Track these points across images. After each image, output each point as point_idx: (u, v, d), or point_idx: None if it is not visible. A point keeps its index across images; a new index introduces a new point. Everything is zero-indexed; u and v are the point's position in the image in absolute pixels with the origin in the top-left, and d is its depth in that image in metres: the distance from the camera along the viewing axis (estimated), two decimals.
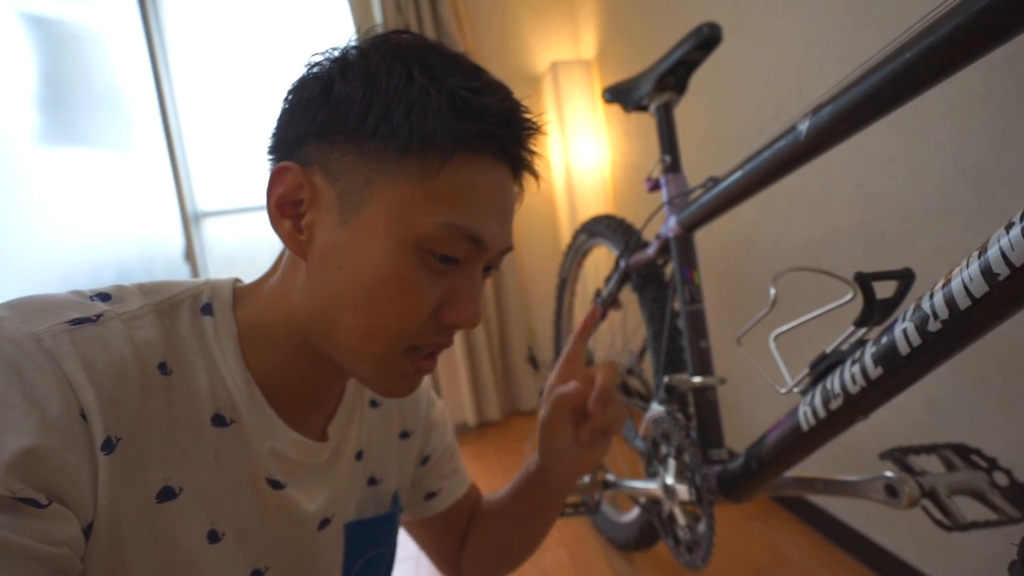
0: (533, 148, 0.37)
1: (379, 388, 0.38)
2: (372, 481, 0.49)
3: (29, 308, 0.29)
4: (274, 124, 0.37)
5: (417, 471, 0.55)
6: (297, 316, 0.36)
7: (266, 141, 0.37)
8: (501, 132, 0.34)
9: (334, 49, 0.35)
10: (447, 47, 0.36)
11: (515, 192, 0.39)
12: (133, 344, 0.31)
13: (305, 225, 0.35)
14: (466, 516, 0.59)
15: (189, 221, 1.83)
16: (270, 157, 0.37)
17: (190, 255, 1.82)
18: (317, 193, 0.34)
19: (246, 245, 1.90)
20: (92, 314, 0.31)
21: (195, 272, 1.81)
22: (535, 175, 0.40)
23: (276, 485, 0.38)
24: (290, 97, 0.35)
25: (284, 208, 0.35)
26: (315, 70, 0.35)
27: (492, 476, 1.52)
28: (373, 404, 0.49)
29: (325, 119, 0.33)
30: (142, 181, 1.76)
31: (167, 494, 0.32)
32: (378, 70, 0.32)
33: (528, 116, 0.36)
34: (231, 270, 0.42)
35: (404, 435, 0.52)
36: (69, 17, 1.59)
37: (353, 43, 0.35)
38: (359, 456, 0.47)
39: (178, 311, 0.35)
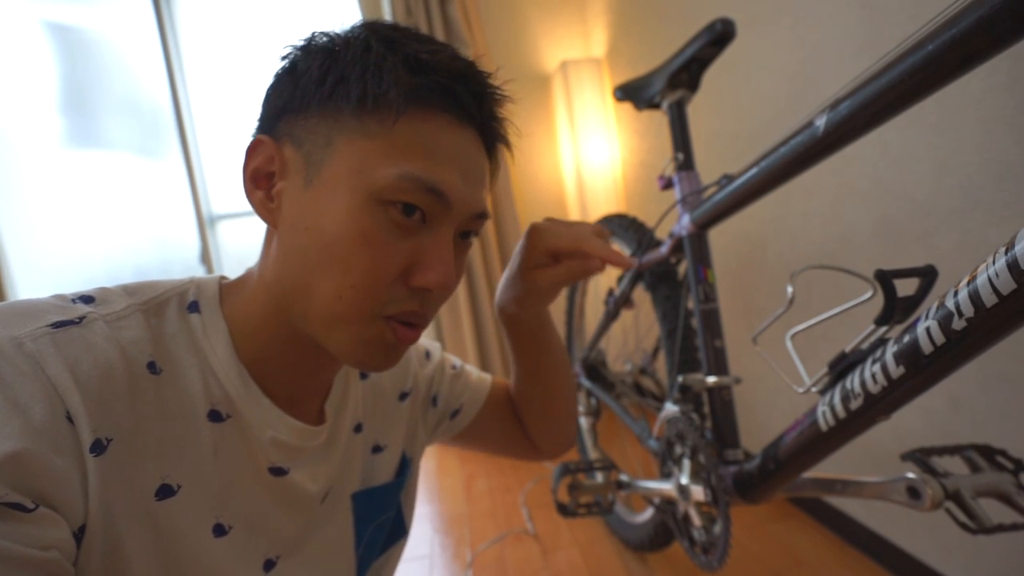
0: (498, 112, 0.38)
1: (356, 359, 0.36)
2: (377, 449, 0.49)
3: (10, 313, 0.29)
4: (255, 116, 0.38)
5: (432, 412, 0.57)
6: (274, 294, 0.36)
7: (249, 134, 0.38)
8: (455, 86, 0.34)
9: (301, 39, 0.36)
10: (409, 27, 0.36)
11: (485, 159, 0.38)
12: (119, 345, 0.31)
13: (275, 194, 0.35)
14: (506, 407, 0.62)
15: (204, 224, 1.86)
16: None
17: (206, 257, 1.85)
18: (286, 162, 0.35)
19: (260, 246, 1.93)
20: (75, 316, 0.30)
21: (211, 274, 1.85)
22: (506, 144, 0.40)
23: (279, 472, 0.38)
24: (266, 87, 0.37)
25: (258, 181, 0.36)
26: (285, 58, 0.36)
27: (502, 470, 1.52)
28: (363, 376, 0.50)
29: (290, 92, 0.35)
30: (159, 184, 1.79)
31: (166, 491, 0.32)
32: (338, 44, 0.34)
33: (484, 72, 0.36)
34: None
35: (403, 396, 0.53)
36: (89, 25, 1.63)
37: (318, 31, 0.36)
38: (358, 429, 0.47)
39: (164, 310, 0.35)
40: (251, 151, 0.36)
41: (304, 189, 0.34)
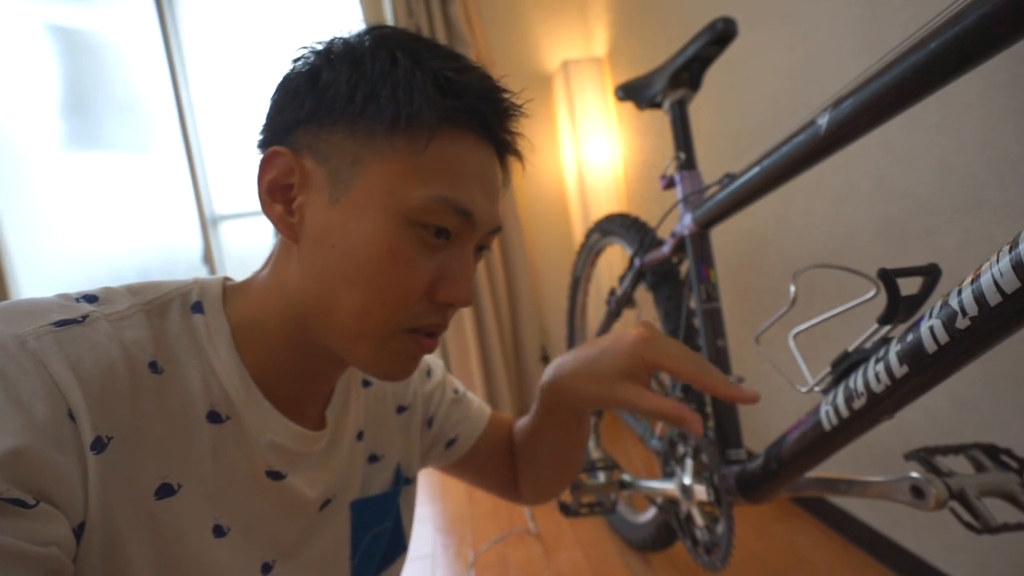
0: (515, 129, 0.38)
1: (377, 370, 0.37)
2: (373, 458, 0.49)
3: (14, 312, 0.29)
4: (262, 119, 0.37)
5: (426, 434, 0.56)
6: (292, 305, 0.36)
7: (255, 137, 0.37)
8: (483, 108, 0.35)
9: (319, 42, 0.36)
10: (427, 37, 0.37)
11: (500, 172, 0.39)
12: (121, 344, 0.31)
13: (296, 208, 0.35)
14: (501, 445, 0.60)
15: (207, 224, 1.86)
16: (260, 150, 0.37)
17: (208, 257, 1.86)
18: (307, 176, 0.35)
19: (262, 247, 1.93)
20: (78, 315, 0.31)
21: (214, 274, 1.85)
22: (520, 157, 0.41)
23: (276, 476, 0.38)
24: (277, 90, 0.36)
25: (275, 193, 0.36)
26: (301, 62, 0.35)
27: None
28: (365, 384, 0.50)
29: (313, 104, 0.34)
30: (162, 185, 1.80)
31: (166, 491, 0.32)
32: (363, 55, 0.34)
33: (507, 94, 0.37)
34: (248, 271, 0.43)
35: (401, 409, 0.53)
36: (91, 27, 1.63)
37: (337, 36, 0.36)
38: (360, 436, 0.47)
39: (168, 310, 0.35)
40: (267, 162, 0.35)
41: (330, 206, 0.34)
